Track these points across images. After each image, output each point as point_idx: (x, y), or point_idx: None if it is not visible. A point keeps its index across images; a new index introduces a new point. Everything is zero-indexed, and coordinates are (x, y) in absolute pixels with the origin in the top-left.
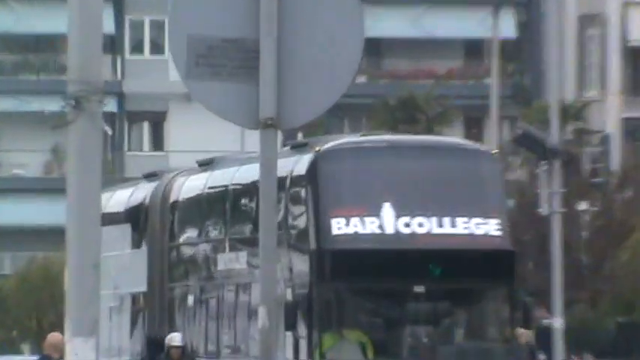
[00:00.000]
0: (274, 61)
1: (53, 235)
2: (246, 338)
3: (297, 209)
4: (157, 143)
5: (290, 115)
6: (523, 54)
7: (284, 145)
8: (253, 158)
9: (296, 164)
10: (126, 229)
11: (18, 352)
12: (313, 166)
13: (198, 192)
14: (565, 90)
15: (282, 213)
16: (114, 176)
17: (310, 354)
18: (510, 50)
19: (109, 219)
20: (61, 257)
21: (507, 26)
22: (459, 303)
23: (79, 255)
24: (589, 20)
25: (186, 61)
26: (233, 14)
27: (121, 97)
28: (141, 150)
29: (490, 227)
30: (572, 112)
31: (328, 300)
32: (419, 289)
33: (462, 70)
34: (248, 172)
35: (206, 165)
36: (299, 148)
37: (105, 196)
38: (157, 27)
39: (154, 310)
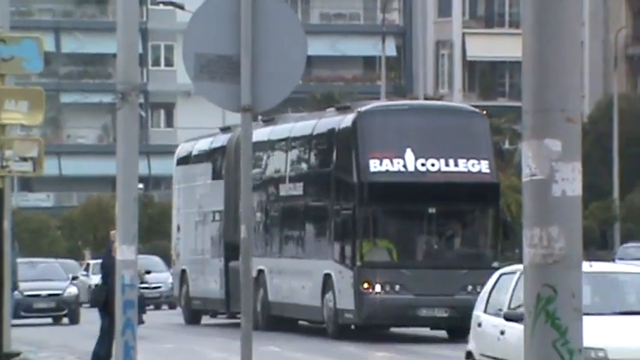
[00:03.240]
0: (249, 69)
1: (104, 181)
2: (299, 243)
3: (342, 153)
4: (169, 123)
5: (259, 104)
6: (400, 65)
7: (264, 121)
8: (305, 118)
9: (342, 121)
10: (208, 167)
11: (81, 256)
12: (356, 122)
13: (265, 139)
14: (427, 88)
15: (332, 156)
16: (142, 143)
17: (353, 256)
18: (392, 63)
19: (195, 159)
20: (110, 195)
21: (390, 48)
22: (459, 220)
23: (125, 193)
24: (442, 44)
25: (194, 69)
26: (223, 39)
27: (146, 93)
28: (159, 127)
29: (481, 166)
30: None
31: (366, 218)
32: (431, 210)
33: (362, 77)
34: (301, 127)
35: (269, 121)
36: (343, 110)
37: (191, 144)
38: (168, 49)
39: (228, 222)
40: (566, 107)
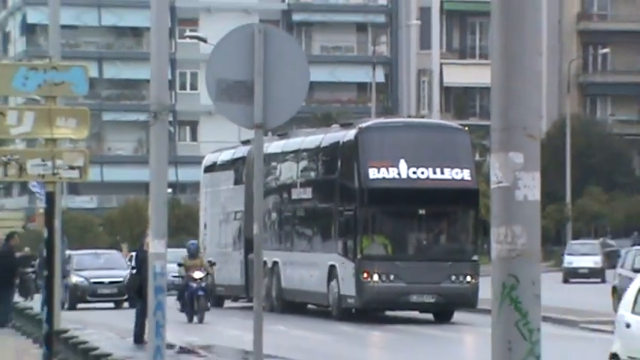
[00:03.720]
0: (261, 93)
1: (139, 186)
2: (308, 239)
3: (346, 163)
4: (194, 137)
5: (269, 122)
6: (388, 90)
7: (278, 135)
8: (314, 133)
9: (345, 135)
10: (230, 174)
11: (119, 249)
12: (357, 136)
13: (279, 151)
14: (410, 109)
15: (336, 165)
16: (171, 154)
17: (354, 250)
18: (381, 88)
19: (220, 168)
20: (144, 198)
21: (379, 75)
22: (445, 220)
23: (156, 196)
24: (423, 72)
25: (215, 92)
26: (240, 68)
27: (174, 113)
28: (185, 141)
29: (464, 174)
30: None
31: (365, 218)
32: (421, 211)
33: (356, 99)
34: (310, 141)
35: (282, 135)
36: (346, 126)
37: (216, 154)
38: (193, 75)
39: (248, 221)
40: (528, 125)
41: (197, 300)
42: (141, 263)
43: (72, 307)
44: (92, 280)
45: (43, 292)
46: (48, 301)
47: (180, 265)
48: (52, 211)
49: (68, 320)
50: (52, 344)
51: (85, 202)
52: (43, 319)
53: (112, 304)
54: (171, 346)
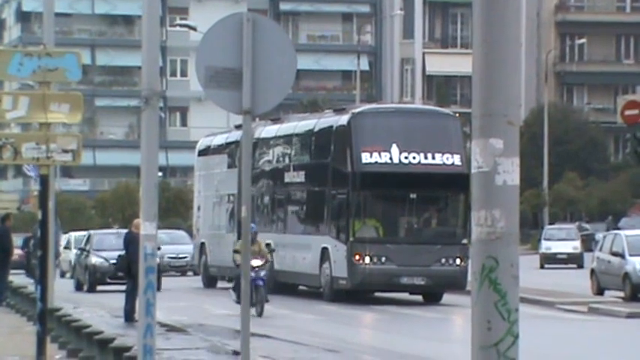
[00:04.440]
0: (249, 79)
1: (130, 170)
2: (301, 221)
3: (338, 147)
4: (184, 123)
5: (257, 108)
6: (372, 78)
7: (272, 120)
8: (307, 118)
9: (338, 120)
10: (224, 157)
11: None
12: (350, 122)
13: (273, 135)
14: (393, 97)
15: (329, 149)
16: (161, 139)
17: (347, 233)
18: (365, 76)
19: (214, 151)
20: (135, 181)
21: (364, 64)
22: (435, 204)
23: (147, 179)
24: (406, 61)
25: (204, 79)
26: (229, 55)
27: (165, 99)
28: (175, 126)
29: (454, 159)
30: None
31: (358, 201)
32: (412, 195)
33: (341, 87)
34: (304, 126)
35: (275, 120)
36: (339, 111)
37: (210, 138)
38: (183, 62)
39: (241, 204)
40: (507, 113)
41: (255, 291)
42: (128, 245)
43: (91, 290)
44: (112, 261)
45: (37, 272)
46: (42, 280)
47: (235, 251)
48: (46, 193)
49: (62, 299)
50: (45, 322)
51: (78, 184)
52: (37, 297)
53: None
54: (161, 325)
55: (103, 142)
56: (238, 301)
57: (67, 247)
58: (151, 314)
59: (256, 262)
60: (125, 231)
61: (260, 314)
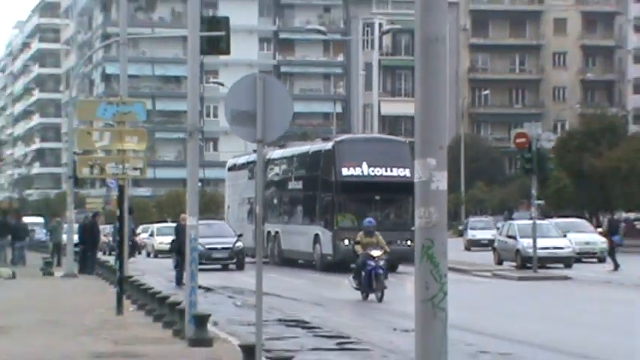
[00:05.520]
0: (261, 118)
1: (179, 182)
2: (300, 215)
3: (326, 164)
4: (215, 148)
5: (267, 138)
6: (344, 118)
7: (279, 146)
8: (303, 144)
9: (325, 146)
10: (245, 172)
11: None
12: (334, 146)
13: (279, 156)
14: (358, 131)
15: (319, 165)
16: (200, 160)
17: (332, 223)
18: (340, 116)
19: (238, 168)
20: (183, 190)
21: (339, 108)
22: (392, 203)
23: (191, 188)
24: (367, 106)
25: (230, 118)
26: (246, 102)
27: (202, 132)
28: (209, 151)
29: (406, 172)
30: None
31: (339, 202)
32: (377, 197)
33: (323, 124)
34: (301, 149)
35: (282, 146)
36: (326, 139)
37: (235, 159)
38: (215, 108)
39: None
40: (439, 140)
41: (376, 279)
42: (178, 232)
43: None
44: (207, 247)
45: (116, 250)
46: (119, 256)
47: (356, 242)
48: (122, 197)
49: (132, 269)
50: (122, 285)
51: (144, 191)
52: (116, 268)
53: (220, 266)
54: (200, 287)
55: (160, 162)
56: (357, 288)
57: (151, 235)
58: (194, 280)
59: (376, 253)
60: (175, 224)
61: (380, 299)
